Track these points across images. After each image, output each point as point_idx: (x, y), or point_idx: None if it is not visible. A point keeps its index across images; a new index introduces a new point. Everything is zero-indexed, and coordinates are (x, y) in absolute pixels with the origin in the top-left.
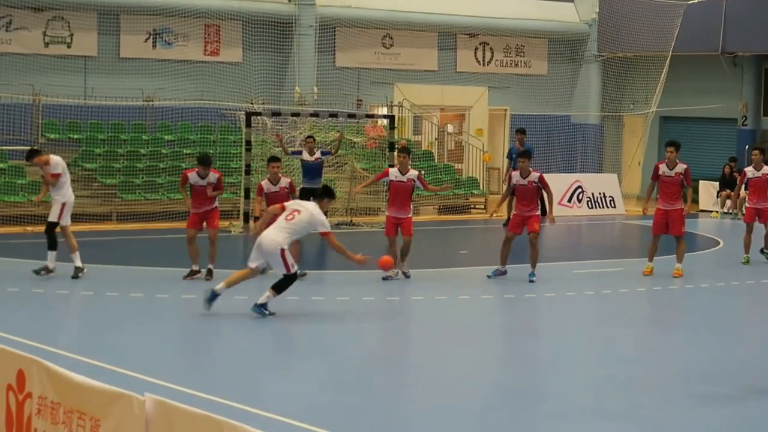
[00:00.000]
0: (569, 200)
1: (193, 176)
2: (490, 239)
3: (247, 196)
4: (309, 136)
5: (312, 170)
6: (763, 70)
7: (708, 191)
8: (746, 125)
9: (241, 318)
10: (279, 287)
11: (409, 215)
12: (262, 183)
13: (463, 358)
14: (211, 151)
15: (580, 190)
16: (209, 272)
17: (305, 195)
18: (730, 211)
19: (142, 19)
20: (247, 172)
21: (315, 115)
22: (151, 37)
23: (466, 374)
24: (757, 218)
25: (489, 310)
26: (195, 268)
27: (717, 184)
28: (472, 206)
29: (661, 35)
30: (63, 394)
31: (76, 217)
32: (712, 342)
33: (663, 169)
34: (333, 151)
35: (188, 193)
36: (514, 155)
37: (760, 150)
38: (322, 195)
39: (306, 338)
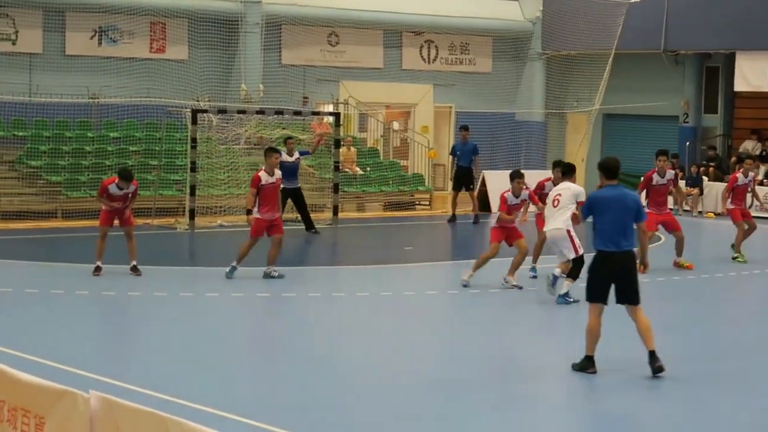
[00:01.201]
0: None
1: (112, 187)
2: (435, 235)
3: (192, 193)
4: (289, 137)
5: (290, 171)
6: (705, 68)
7: None
8: (688, 122)
9: (186, 314)
10: (573, 273)
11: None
12: (259, 174)
13: (404, 353)
14: (156, 148)
15: (524, 187)
16: (134, 268)
17: (285, 195)
18: (673, 207)
19: (88, 16)
20: (193, 170)
21: (261, 112)
22: (97, 34)
23: (407, 369)
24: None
25: (439, 305)
26: (100, 263)
27: None
28: (417, 202)
29: (604, 33)
30: (7, 392)
31: (21, 215)
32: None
33: (656, 178)
34: (311, 150)
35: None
36: (458, 152)
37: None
38: (571, 172)
39: (250, 335)
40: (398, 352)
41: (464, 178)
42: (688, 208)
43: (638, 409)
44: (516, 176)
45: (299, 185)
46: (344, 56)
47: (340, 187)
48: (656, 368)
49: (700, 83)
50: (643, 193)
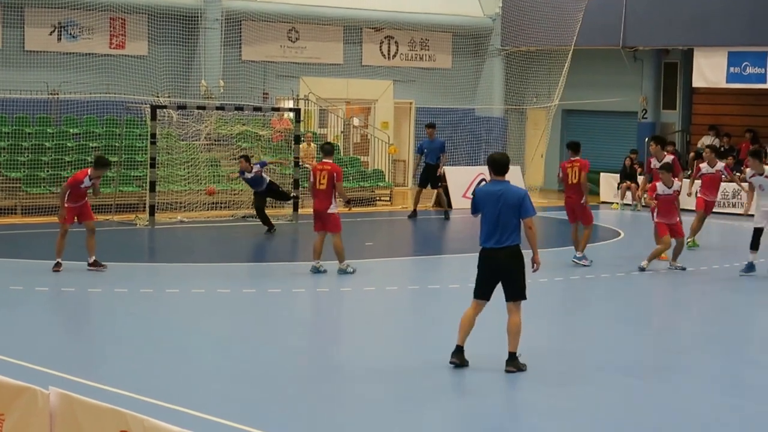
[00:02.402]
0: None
1: (86, 180)
2: (396, 231)
3: (152, 189)
4: (242, 156)
5: (256, 182)
6: (663, 64)
7: (609, 183)
8: (646, 118)
9: (146, 311)
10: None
11: None
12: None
13: (370, 348)
14: (116, 144)
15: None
16: (95, 263)
17: (262, 198)
18: (631, 203)
19: (47, 11)
20: (153, 166)
21: (221, 108)
22: (56, 30)
23: (376, 365)
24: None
25: (399, 301)
26: (60, 260)
27: (618, 176)
28: (378, 198)
29: (563, 30)
30: None
31: None
32: (608, 328)
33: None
34: (268, 161)
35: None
36: (425, 150)
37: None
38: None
39: (211, 330)
40: (351, 345)
41: (431, 175)
42: (645, 203)
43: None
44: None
45: (268, 184)
46: (304, 52)
47: (300, 182)
48: (508, 370)
49: (658, 79)
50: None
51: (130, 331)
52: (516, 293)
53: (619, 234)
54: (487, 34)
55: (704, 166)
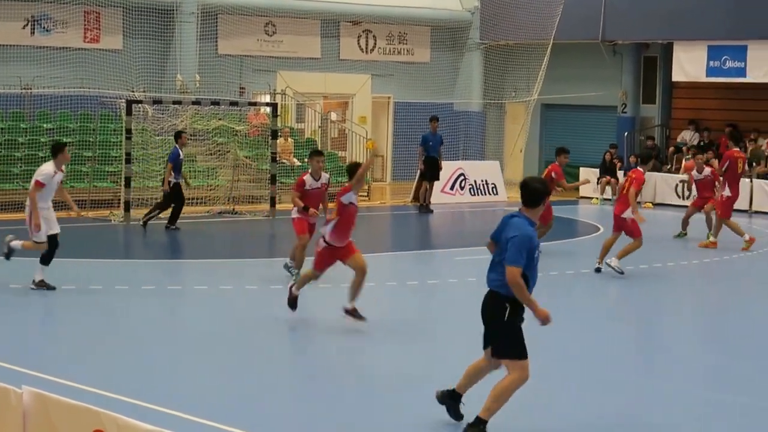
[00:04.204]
0: (452, 188)
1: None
2: (373, 227)
3: (127, 185)
4: (182, 131)
5: (181, 165)
6: (642, 58)
7: (589, 178)
8: (626, 113)
9: (121, 308)
10: None
11: None
12: (304, 177)
13: (335, 346)
14: (91, 139)
15: (462, 177)
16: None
17: (179, 189)
18: (611, 197)
19: (20, 5)
20: (128, 161)
21: (197, 103)
22: (30, 23)
23: (337, 362)
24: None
25: (374, 298)
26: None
27: (597, 170)
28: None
29: (543, 23)
30: None
31: None
32: (589, 322)
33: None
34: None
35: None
36: (430, 142)
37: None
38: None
39: (182, 328)
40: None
41: (434, 169)
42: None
43: None
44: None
45: None
46: (281, 46)
47: (277, 178)
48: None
49: (638, 73)
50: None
51: (105, 328)
52: (496, 349)
53: (599, 229)
54: (465, 28)
55: (695, 174)
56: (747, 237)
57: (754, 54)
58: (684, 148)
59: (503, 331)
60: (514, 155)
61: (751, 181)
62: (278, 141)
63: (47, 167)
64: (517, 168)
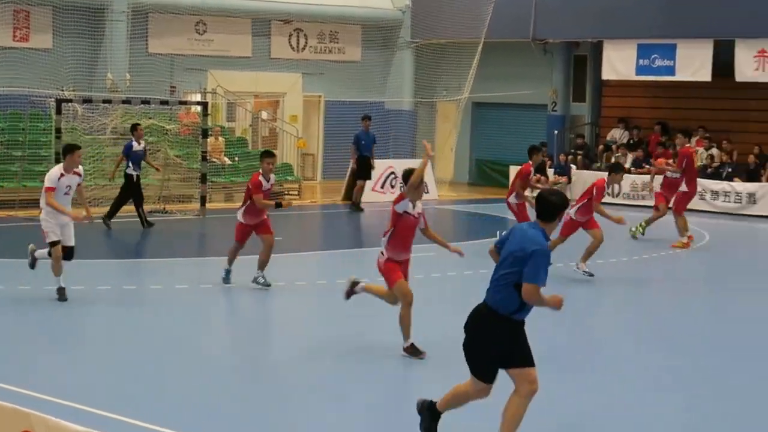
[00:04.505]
0: (382, 186)
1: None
2: (305, 225)
3: None
4: (137, 124)
5: (139, 158)
6: (573, 57)
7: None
8: (556, 111)
9: (51, 308)
10: None
11: None
12: (259, 178)
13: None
14: (20, 138)
15: (393, 176)
16: None
17: (138, 184)
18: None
19: None
20: (57, 161)
21: (127, 102)
22: None
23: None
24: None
25: (306, 296)
26: None
27: None
28: (287, 192)
29: (474, 22)
30: None
31: None
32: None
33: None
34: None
35: None
36: (362, 141)
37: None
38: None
39: (115, 327)
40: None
41: (366, 168)
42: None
43: None
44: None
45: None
46: (212, 45)
47: (208, 177)
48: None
49: (568, 72)
50: None
51: (33, 328)
52: (505, 363)
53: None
54: (396, 27)
55: (669, 172)
56: (686, 239)
57: (683, 53)
58: (614, 147)
59: (508, 346)
60: (445, 154)
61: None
62: (209, 140)
63: (53, 170)
64: (448, 167)
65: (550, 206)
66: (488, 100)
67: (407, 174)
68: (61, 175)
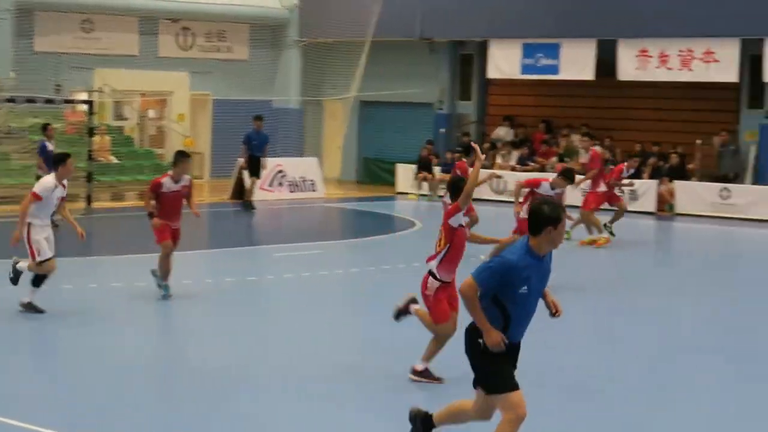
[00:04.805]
0: (270, 184)
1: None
2: (193, 224)
3: None
4: (48, 124)
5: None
6: (459, 56)
7: (406, 174)
8: (442, 109)
9: None
10: None
11: None
12: (163, 180)
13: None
14: None
15: (281, 174)
16: None
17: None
18: (428, 193)
19: None
20: None
21: (11, 100)
22: None
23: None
24: None
25: (195, 296)
26: None
27: (415, 167)
28: None
29: (361, 21)
30: None
31: None
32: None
33: None
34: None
35: None
36: (253, 141)
37: None
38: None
39: (30, 332)
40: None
41: (256, 166)
42: (443, 194)
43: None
44: None
45: None
46: (99, 43)
47: (93, 176)
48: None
49: (454, 71)
50: None
51: None
52: (476, 379)
53: (415, 224)
54: (284, 26)
55: (624, 170)
56: (596, 236)
57: (566, 52)
58: (499, 144)
59: (482, 361)
60: (333, 152)
61: None
62: (95, 139)
63: (48, 180)
64: (336, 165)
65: (538, 218)
66: (376, 98)
67: (457, 183)
68: (55, 186)
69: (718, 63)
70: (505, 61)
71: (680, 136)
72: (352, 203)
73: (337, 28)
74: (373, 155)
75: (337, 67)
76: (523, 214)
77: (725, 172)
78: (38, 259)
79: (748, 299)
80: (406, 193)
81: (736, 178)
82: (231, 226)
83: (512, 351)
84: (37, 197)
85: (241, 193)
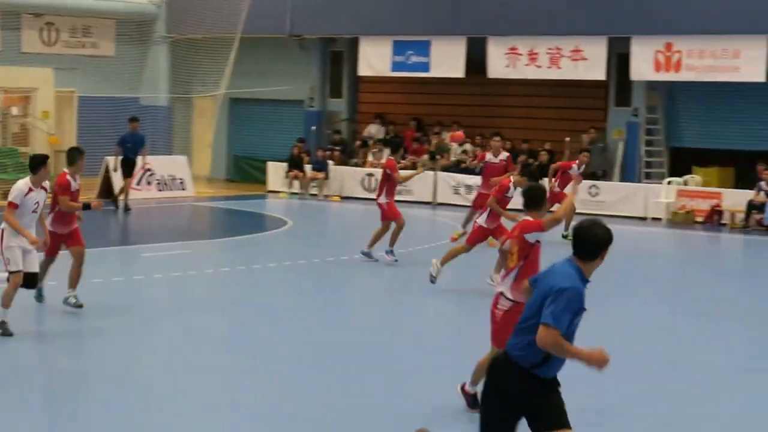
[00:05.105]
0: (138, 183)
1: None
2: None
3: None
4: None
5: None
6: (330, 53)
7: (277, 172)
8: (313, 107)
9: None
10: None
11: None
12: (67, 177)
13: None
14: None
15: (149, 172)
16: None
17: None
18: (299, 191)
19: None
20: None
21: None
22: None
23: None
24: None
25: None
26: None
27: (286, 165)
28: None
29: (230, 17)
30: None
31: None
32: (276, 318)
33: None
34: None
35: None
36: (128, 143)
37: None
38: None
39: None
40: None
41: (130, 168)
42: (315, 192)
43: None
44: None
45: None
46: None
47: None
48: None
49: (325, 68)
50: None
51: None
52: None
53: (287, 223)
54: (151, 21)
55: (574, 167)
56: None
57: (437, 50)
58: (370, 142)
59: (545, 404)
60: (203, 150)
61: (435, 174)
62: None
63: (20, 184)
64: (205, 163)
65: (592, 241)
66: (246, 95)
67: (535, 193)
68: (29, 190)
69: (587, 61)
70: (376, 59)
71: (549, 133)
72: (223, 202)
73: (205, 24)
74: (244, 153)
75: (207, 63)
76: (482, 222)
77: (594, 170)
78: (10, 269)
79: (621, 293)
80: (277, 192)
81: (605, 175)
82: (97, 225)
83: (553, 385)
84: (13, 206)
85: (108, 192)
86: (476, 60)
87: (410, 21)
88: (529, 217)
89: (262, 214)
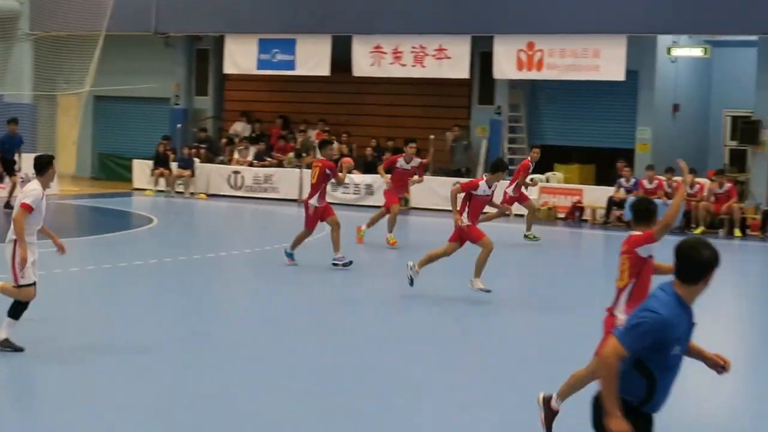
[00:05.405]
0: (1, 181)
1: None
2: None
3: None
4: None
5: None
6: (195, 51)
7: (143, 170)
8: (179, 105)
9: None
10: None
11: None
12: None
13: None
14: None
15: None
16: None
17: None
18: (165, 189)
19: None
20: None
21: None
22: None
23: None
24: None
25: None
26: None
27: (151, 162)
28: None
29: (95, 15)
30: None
31: None
32: (163, 313)
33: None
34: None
35: None
36: (6, 145)
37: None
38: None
39: None
40: None
41: (10, 169)
42: (181, 189)
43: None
44: None
45: None
46: None
47: None
48: None
49: (190, 66)
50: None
51: None
52: None
53: (153, 220)
54: (15, 18)
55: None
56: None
57: (302, 48)
58: (236, 140)
59: None
60: (68, 148)
61: (301, 172)
62: None
63: (35, 186)
64: (70, 161)
65: (695, 263)
66: (111, 93)
67: (647, 206)
68: (43, 195)
69: (450, 60)
70: (241, 57)
71: (414, 131)
72: (88, 200)
73: (70, 22)
74: (109, 151)
75: (71, 61)
76: (466, 221)
77: (458, 167)
78: (21, 282)
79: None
80: (143, 189)
81: (469, 172)
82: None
83: (650, 424)
84: (28, 208)
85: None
86: (342, 58)
87: (276, 19)
88: (637, 232)
89: (128, 212)
